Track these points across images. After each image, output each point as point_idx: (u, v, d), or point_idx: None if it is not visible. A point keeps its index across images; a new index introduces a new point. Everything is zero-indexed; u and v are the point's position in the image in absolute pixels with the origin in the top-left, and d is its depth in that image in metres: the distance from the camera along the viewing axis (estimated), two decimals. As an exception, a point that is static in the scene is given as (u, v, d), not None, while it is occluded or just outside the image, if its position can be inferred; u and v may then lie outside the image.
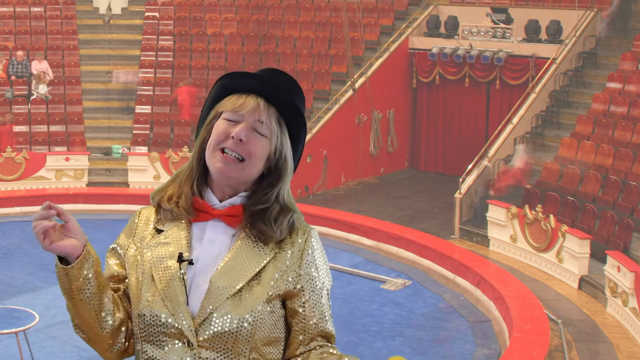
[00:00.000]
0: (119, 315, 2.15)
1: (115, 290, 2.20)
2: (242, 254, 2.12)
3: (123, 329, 2.16)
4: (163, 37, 21.27)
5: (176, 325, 2.07)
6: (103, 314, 2.12)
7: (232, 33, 21.25)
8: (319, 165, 18.37)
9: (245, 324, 2.06)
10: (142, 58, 20.84)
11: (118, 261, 2.23)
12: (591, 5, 18.84)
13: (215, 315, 2.06)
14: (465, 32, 19.61)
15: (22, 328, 9.23)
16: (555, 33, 18.80)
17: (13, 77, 19.63)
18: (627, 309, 11.61)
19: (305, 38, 20.88)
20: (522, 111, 17.31)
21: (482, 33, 19.43)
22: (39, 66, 19.78)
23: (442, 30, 20.25)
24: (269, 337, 2.11)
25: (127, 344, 2.18)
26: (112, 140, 19.29)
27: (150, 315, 2.09)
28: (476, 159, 16.49)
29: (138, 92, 20.22)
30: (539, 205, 14.24)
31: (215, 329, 2.05)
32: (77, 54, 20.75)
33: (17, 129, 18.76)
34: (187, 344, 2.06)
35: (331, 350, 2.14)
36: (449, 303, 12.27)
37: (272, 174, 2.17)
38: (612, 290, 12.02)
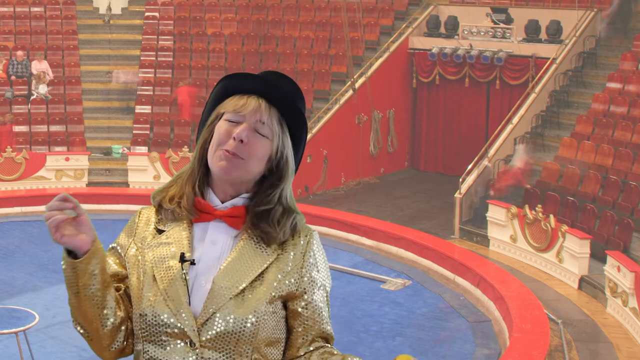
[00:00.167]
0: (120, 313, 2.15)
1: (116, 290, 2.20)
2: (245, 255, 2.13)
3: (123, 328, 2.16)
4: (163, 37, 21.27)
5: (179, 325, 2.07)
6: (105, 311, 2.12)
7: (232, 33, 21.25)
8: (319, 165, 18.37)
9: (248, 324, 2.07)
10: (142, 58, 20.84)
11: (118, 260, 2.24)
12: (591, 5, 18.84)
13: (218, 315, 2.06)
14: (465, 32, 19.62)
15: (22, 328, 9.23)
16: (555, 33, 18.80)
17: (13, 77, 19.63)
18: (627, 309, 11.61)
19: (305, 38, 20.88)
20: (522, 111, 17.31)
21: (482, 33, 19.43)
22: (39, 66, 19.78)
23: (442, 30, 20.25)
24: (270, 337, 2.12)
25: (125, 343, 2.18)
26: (112, 140, 19.29)
27: (152, 315, 2.09)
28: (476, 159, 16.49)
29: (138, 92, 20.22)
30: (539, 205, 14.24)
31: (218, 329, 2.06)
32: (77, 54, 20.75)
33: (17, 129, 18.76)
34: (190, 344, 2.06)
35: (332, 351, 2.16)
36: (449, 303, 12.27)
37: (273, 174, 2.18)
38: (612, 290, 12.02)
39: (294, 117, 2.21)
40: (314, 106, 19.39)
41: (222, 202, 2.17)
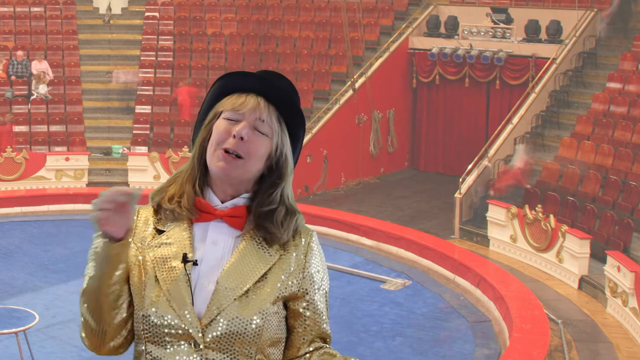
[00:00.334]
0: (130, 310, 2.15)
1: None
2: (247, 256, 2.13)
3: (127, 326, 2.16)
4: (163, 37, 21.27)
5: (183, 326, 2.07)
6: (120, 302, 2.12)
7: (232, 33, 21.25)
8: (319, 165, 18.37)
9: (253, 325, 2.07)
10: (142, 58, 20.84)
11: None
12: (591, 5, 18.84)
13: (222, 316, 2.06)
14: (465, 32, 19.62)
15: (22, 328, 9.23)
16: (555, 33, 18.80)
17: (13, 77, 19.63)
18: (627, 309, 11.61)
19: (305, 38, 20.88)
20: (522, 111, 17.31)
21: (482, 33, 19.43)
22: (39, 66, 19.78)
23: (442, 30, 20.25)
24: (273, 338, 2.12)
25: (123, 340, 2.17)
26: (112, 140, 19.29)
27: (156, 316, 2.09)
28: (476, 159, 16.49)
29: (138, 92, 20.22)
30: (539, 205, 14.24)
31: (223, 330, 2.06)
32: (77, 54, 20.75)
33: (17, 129, 18.76)
34: (194, 345, 2.06)
35: (332, 352, 2.17)
36: (449, 303, 12.27)
37: (273, 173, 2.18)
38: (612, 290, 12.02)
39: (292, 115, 2.21)
40: (314, 106, 19.39)
41: (222, 202, 2.17)
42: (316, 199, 17.72)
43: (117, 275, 2.10)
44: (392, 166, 20.35)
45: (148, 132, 19.39)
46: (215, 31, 21.30)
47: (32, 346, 9.45)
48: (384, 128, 20.06)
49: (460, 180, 15.99)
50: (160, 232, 2.19)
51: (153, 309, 2.09)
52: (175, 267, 2.12)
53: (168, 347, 2.08)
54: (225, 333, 2.06)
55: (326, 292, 2.22)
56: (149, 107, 19.88)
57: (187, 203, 2.17)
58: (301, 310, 2.16)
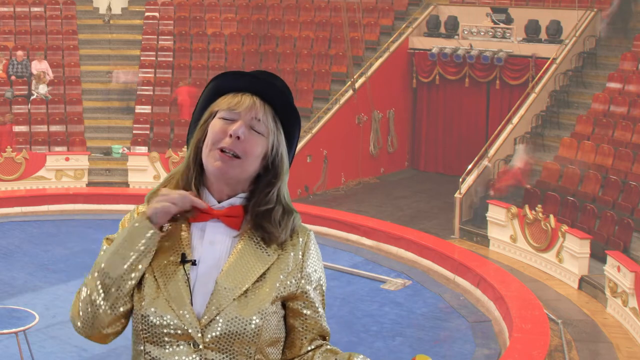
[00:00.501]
0: (131, 304, 2.15)
1: None
2: (246, 256, 2.13)
3: (127, 316, 2.15)
4: (163, 37, 21.27)
5: (182, 326, 2.07)
6: (131, 291, 2.12)
7: (232, 33, 21.25)
8: (319, 165, 18.37)
9: (252, 325, 2.07)
10: (142, 58, 20.84)
11: None
12: (591, 5, 18.84)
13: (221, 316, 2.07)
14: (465, 32, 19.62)
15: (22, 328, 9.23)
16: (555, 33, 18.80)
17: (13, 77, 19.63)
18: (627, 309, 11.61)
19: (305, 38, 20.88)
20: (522, 111, 17.31)
21: (482, 33, 19.43)
22: (39, 66, 19.78)
23: (442, 30, 20.25)
24: (272, 337, 2.13)
25: (117, 329, 2.15)
26: (112, 140, 19.29)
27: (155, 316, 2.09)
28: (476, 159, 16.49)
29: (138, 92, 20.22)
30: (539, 205, 14.24)
31: (222, 330, 2.06)
32: (77, 54, 20.75)
33: (17, 129, 18.76)
34: (193, 345, 2.06)
35: (333, 349, 2.18)
36: (449, 303, 12.26)
37: (269, 172, 2.18)
38: (612, 290, 12.02)
39: (287, 115, 2.21)
40: (314, 106, 19.39)
41: (219, 202, 2.17)
42: (316, 199, 17.72)
43: (146, 261, 2.11)
44: (392, 166, 20.34)
45: (148, 132, 19.40)
46: (215, 31, 21.30)
47: (32, 346, 9.45)
48: (384, 128, 20.06)
49: (460, 180, 15.99)
50: None
51: (152, 309, 2.09)
52: (174, 267, 2.12)
53: (167, 347, 2.08)
54: (225, 333, 2.06)
55: (323, 290, 2.22)
56: (149, 107, 19.88)
57: None
58: (300, 309, 2.17)
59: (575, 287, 13.07)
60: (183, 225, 2.17)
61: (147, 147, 18.85)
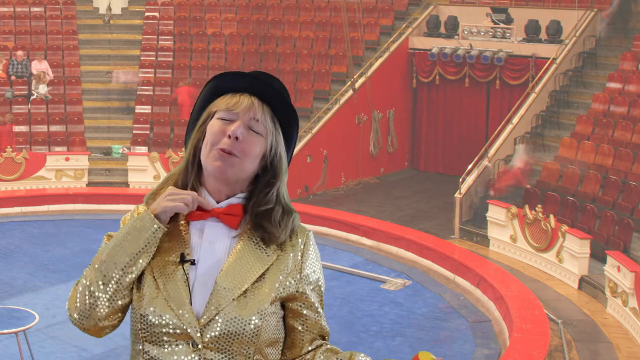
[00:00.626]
0: (131, 297, 2.15)
1: None
2: (245, 256, 2.13)
3: (124, 309, 2.16)
4: (163, 37, 21.27)
5: (181, 325, 2.07)
6: (131, 285, 2.13)
7: (232, 33, 21.25)
8: (319, 165, 18.37)
9: (251, 326, 2.07)
10: (142, 58, 20.84)
11: None
12: (591, 5, 18.84)
13: (221, 316, 2.07)
14: (465, 32, 19.61)
15: (22, 328, 9.23)
16: (555, 33, 18.80)
17: (13, 77, 19.63)
18: (627, 309, 11.61)
19: (305, 38, 20.88)
20: (522, 111, 17.31)
21: (482, 33, 19.43)
22: (39, 66, 19.78)
23: (442, 30, 20.25)
24: (271, 338, 2.13)
25: (114, 322, 2.15)
26: (112, 140, 19.29)
27: (154, 315, 2.09)
28: (476, 159, 16.49)
29: (138, 92, 20.22)
30: (539, 205, 14.24)
31: (221, 330, 2.06)
32: (77, 54, 20.75)
33: (17, 129, 18.76)
34: (192, 345, 2.07)
35: (333, 348, 2.19)
36: (449, 303, 12.26)
37: (268, 172, 2.18)
38: (612, 290, 12.02)
39: (286, 115, 2.21)
40: (314, 106, 19.39)
41: (217, 202, 2.17)
42: (316, 199, 17.72)
43: (148, 256, 2.11)
44: (392, 166, 20.34)
45: (148, 132, 19.40)
46: (215, 31, 21.30)
47: (32, 346, 9.44)
48: (384, 128, 20.06)
49: (460, 180, 15.99)
50: None
51: (151, 309, 2.09)
52: (173, 266, 2.12)
53: (166, 346, 2.08)
54: (224, 333, 2.06)
55: (322, 291, 2.23)
56: (149, 107, 19.88)
57: None
58: (300, 309, 2.17)
59: (575, 287, 13.07)
60: (182, 225, 2.17)
61: (147, 147, 18.85)
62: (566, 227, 13.46)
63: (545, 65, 17.88)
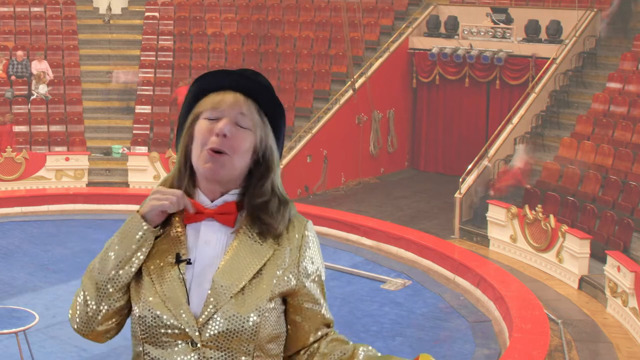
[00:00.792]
0: (127, 299, 2.16)
1: None
2: (241, 252, 2.13)
3: (121, 312, 2.17)
4: (163, 37, 21.27)
5: (179, 325, 2.07)
6: (124, 288, 2.14)
7: (232, 33, 21.25)
8: (319, 165, 18.37)
9: (250, 323, 2.08)
10: (142, 58, 20.85)
11: None
12: (591, 5, 18.84)
13: (219, 314, 2.07)
14: (465, 32, 19.62)
15: (22, 328, 9.23)
16: (555, 33, 18.80)
17: (13, 77, 19.63)
18: (627, 309, 11.61)
19: (305, 38, 20.88)
20: (522, 111, 17.31)
21: (482, 33, 19.43)
22: (39, 66, 19.78)
23: (442, 30, 20.25)
24: (272, 334, 2.13)
25: (111, 327, 2.17)
26: (112, 140, 19.29)
27: (152, 316, 2.09)
28: (476, 159, 16.49)
29: (138, 92, 20.22)
30: (539, 205, 14.24)
31: (220, 328, 2.07)
32: (77, 54, 20.75)
33: (17, 129, 18.76)
34: (191, 344, 2.07)
35: (339, 337, 2.21)
36: (449, 303, 12.26)
37: (260, 165, 2.18)
38: (612, 290, 12.02)
39: (272, 107, 2.21)
40: (314, 106, 19.40)
41: (212, 202, 2.18)
42: (316, 199, 17.72)
43: (139, 257, 2.12)
44: (392, 166, 20.34)
45: (148, 132, 19.40)
46: (215, 31, 21.31)
47: (32, 346, 9.45)
48: (384, 128, 20.06)
49: (460, 180, 15.99)
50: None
51: (148, 310, 2.10)
52: (169, 267, 2.13)
53: (166, 347, 2.09)
54: (223, 331, 2.06)
55: (322, 281, 2.22)
56: (149, 107, 19.89)
57: None
58: (301, 303, 2.17)
59: (575, 287, 13.07)
60: (179, 227, 2.18)
61: (147, 147, 18.85)
62: (566, 227, 13.46)
63: (545, 65, 17.88)
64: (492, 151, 16.59)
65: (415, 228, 15.28)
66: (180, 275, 2.11)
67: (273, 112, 2.22)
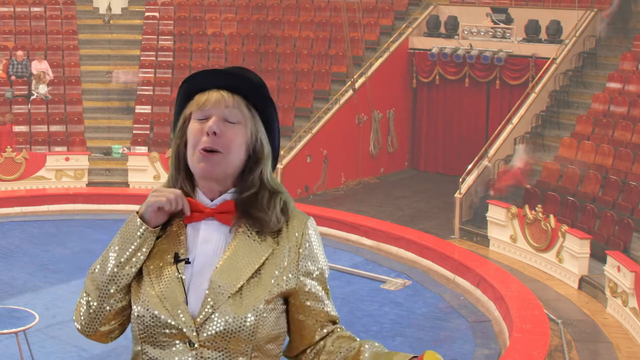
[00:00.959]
0: (128, 299, 2.17)
1: None
2: (240, 251, 2.13)
3: (123, 313, 2.18)
4: (163, 37, 21.27)
5: (177, 325, 2.07)
6: (126, 288, 2.15)
7: (232, 33, 21.25)
8: (319, 165, 18.37)
9: (247, 323, 2.07)
10: (142, 58, 20.85)
11: None
12: (591, 5, 18.84)
13: (216, 314, 2.07)
14: (465, 32, 19.61)
15: (22, 328, 9.23)
16: (555, 33, 18.80)
17: (13, 77, 19.63)
18: (627, 309, 11.61)
19: (305, 38, 20.88)
20: (522, 111, 17.31)
21: (482, 33, 19.43)
22: (39, 66, 19.78)
23: (442, 30, 20.25)
24: (270, 334, 2.13)
25: (114, 327, 2.19)
26: (112, 140, 19.29)
27: (150, 316, 2.10)
28: (476, 159, 16.49)
29: (138, 92, 20.22)
30: (539, 205, 14.24)
31: (217, 329, 2.06)
32: (77, 54, 20.75)
33: (17, 129, 18.76)
34: (189, 344, 2.07)
35: (344, 334, 2.19)
36: (449, 303, 12.26)
37: (251, 159, 2.18)
38: (612, 290, 12.02)
39: (260, 100, 2.21)
40: (314, 106, 19.39)
41: (212, 200, 2.18)
42: (316, 199, 17.72)
43: (139, 257, 2.13)
44: (392, 166, 20.34)
45: (148, 132, 19.40)
46: (215, 31, 21.31)
47: (32, 346, 9.45)
48: (384, 128, 20.05)
49: (460, 180, 15.99)
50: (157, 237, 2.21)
51: (147, 310, 2.11)
52: (168, 267, 2.13)
53: (164, 347, 2.09)
54: (220, 331, 2.06)
55: (325, 277, 2.22)
56: (149, 107, 19.89)
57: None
58: (303, 302, 2.17)
59: (575, 287, 13.07)
60: (179, 227, 2.18)
61: (147, 147, 18.85)
62: (566, 227, 13.46)
63: (545, 65, 17.88)
64: (492, 151, 16.59)
65: (415, 228, 15.28)
66: (179, 275, 2.11)
67: (262, 106, 2.22)
